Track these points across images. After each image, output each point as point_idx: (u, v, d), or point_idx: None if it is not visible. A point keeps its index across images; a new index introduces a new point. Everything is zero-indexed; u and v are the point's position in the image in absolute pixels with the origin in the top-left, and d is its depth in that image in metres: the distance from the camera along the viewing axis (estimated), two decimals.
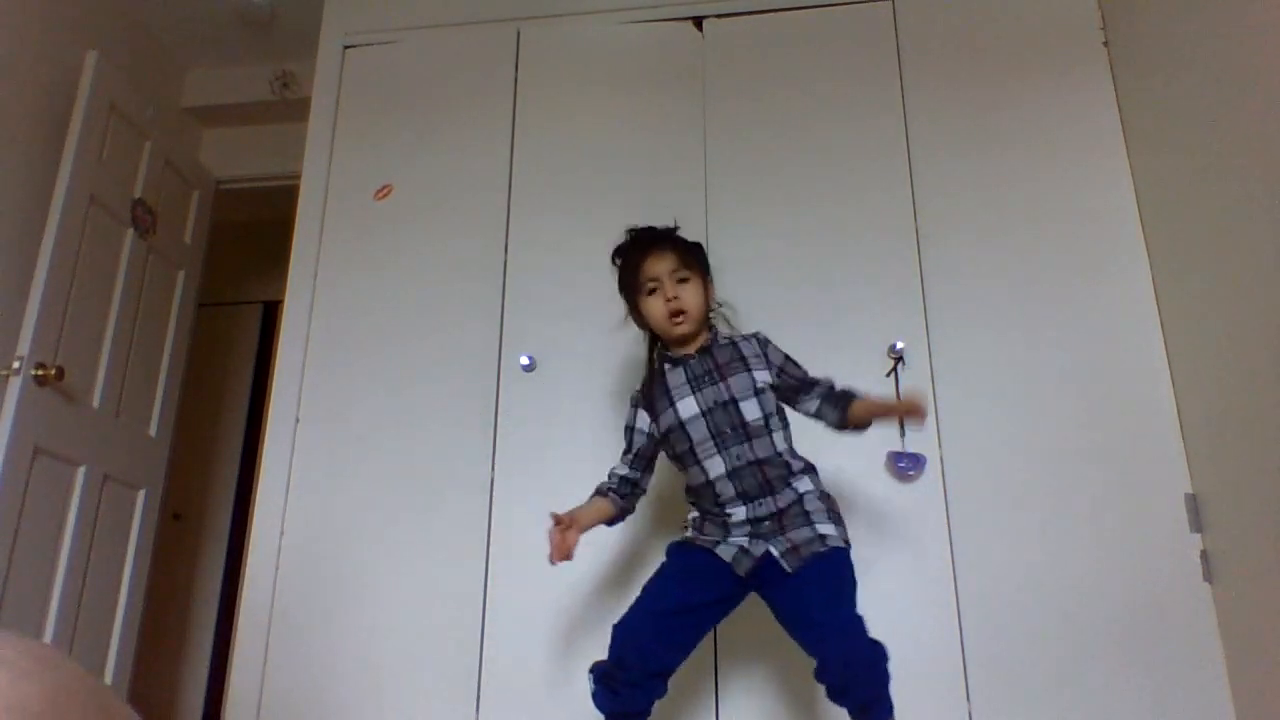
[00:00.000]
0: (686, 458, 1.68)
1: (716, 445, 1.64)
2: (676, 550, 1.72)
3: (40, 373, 2.34)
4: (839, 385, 1.74)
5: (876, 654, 1.48)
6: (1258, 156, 1.79)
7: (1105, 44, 2.40)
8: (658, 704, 1.65)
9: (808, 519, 1.61)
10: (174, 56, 3.37)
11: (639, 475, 1.75)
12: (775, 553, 1.58)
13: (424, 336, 2.42)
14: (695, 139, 2.48)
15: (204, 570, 4.04)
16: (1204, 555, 1.99)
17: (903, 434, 2.14)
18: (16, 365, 2.31)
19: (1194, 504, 2.03)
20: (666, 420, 1.69)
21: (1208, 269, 1.99)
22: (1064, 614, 2.00)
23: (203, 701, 3.82)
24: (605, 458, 2.21)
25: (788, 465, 1.65)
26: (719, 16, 2.60)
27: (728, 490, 1.63)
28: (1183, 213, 2.09)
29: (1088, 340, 2.18)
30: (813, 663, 1.50)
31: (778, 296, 2.31)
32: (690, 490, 1.73)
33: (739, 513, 1.63)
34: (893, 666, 1.48)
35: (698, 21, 2.60)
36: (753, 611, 2.08)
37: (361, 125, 2.67)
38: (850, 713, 1.49)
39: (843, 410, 1.70)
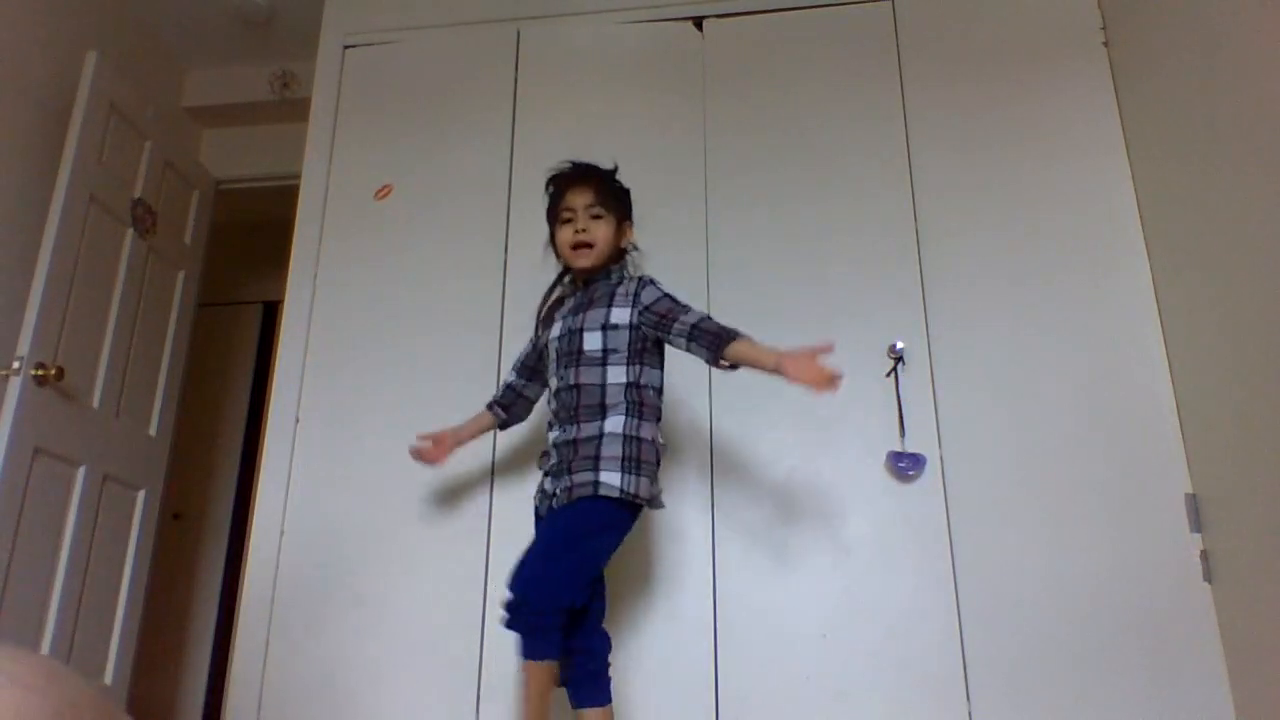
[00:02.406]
0: (542, 372, 1.90)
1: (556, 366, 1.79)
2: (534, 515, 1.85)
3: (40, 373, 2.34)
4: (711, 324, 1.66)
5: (539, 589, 1.58)
6: (1258, 156, 1.79)
7: (1105, 44, 2.41)
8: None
9: (595, 463, 1.65)
10: (174, 56, 3.37)
11: (522, 382, 1.97)
12: (557, 490, 1.70)
13: (424, 336, 2.42)
14: (695, 139, 2.48)
15: (204, 570, 4.04)
16: (1204, 555, 1.99)
17: (902, 434, 2.14)
18: (16, 365, 2.31)
19: (1194, 504, 2.03)
20: (542, 339, 1.88)
21: (1208, 269, 1.99)
22: (1064, 614, 2.00)
23: (203, 701, 3.82)
24: None
25: (604, 401, 1.70)
26: (719, 16, 2.60)
27: (552, 407, 1.79)
28: (1183, 213, 2.09)
29: (1088, 340, 2.18)
30: None
31: (777, 296, 2.31)
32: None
33: (552, 435, 1.77)
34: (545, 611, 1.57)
35: (698, 21, 2.61)
36: (754, 611, 2.09)
37: (361, 125, 2.67)
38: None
39: (713, 349, 1.64)
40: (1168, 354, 2.14)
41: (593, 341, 1.73)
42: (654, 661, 2.06)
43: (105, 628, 2.62)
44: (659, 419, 1.78)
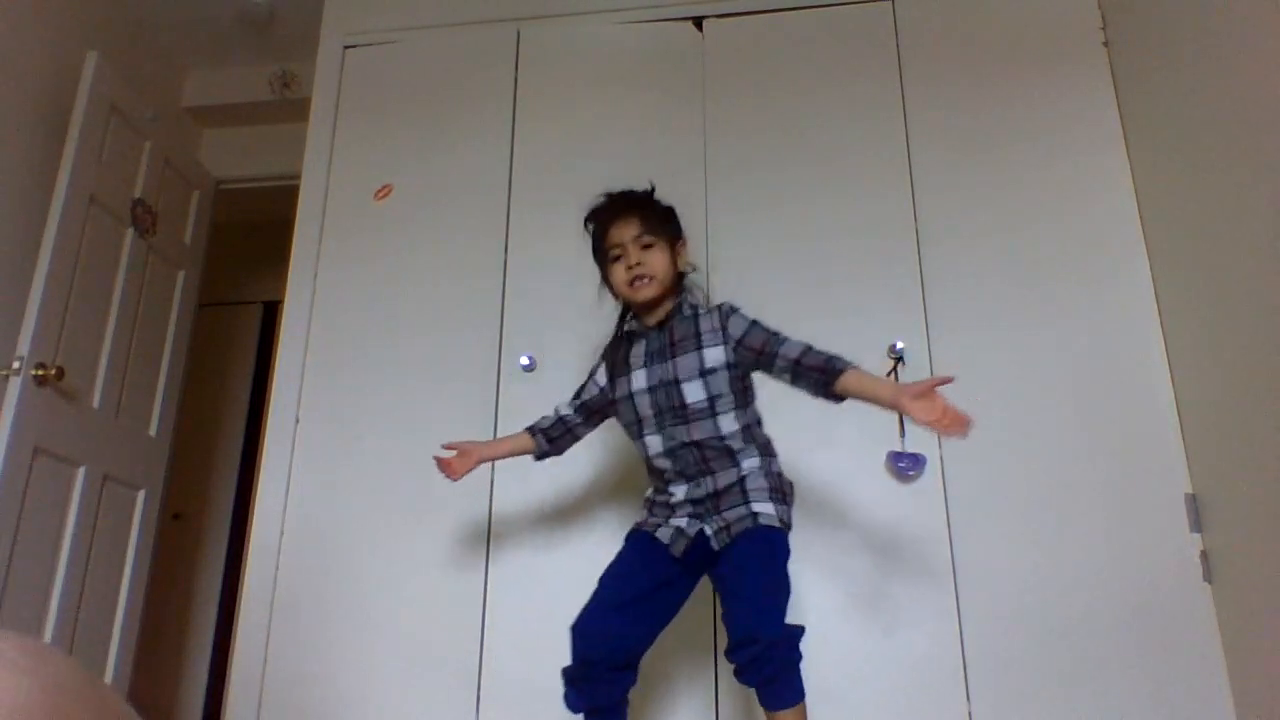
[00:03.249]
0: (631, 430, 1.71)
1: (656, 423, 1.65)
2: (627, 539, 1.73)
3: (40, 373, 2.34)
4: (816, 358, 1.61)
5: (779, 635, 1.47)
6: (1257, 156, 1.79)
7: (1105, 44, 2.40)
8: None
9: (745, 497, 1.59)
10: (174, 56, 3.37)
11: (578, 421, 1.80)
12: (708, 531, 1.59)
13: (424, 336, 2.42)
14: (695, 139, 2.48)
15: (204, 570, 4.04)
16: (1204, 555, 1.99)
17: (902, 434, 2.14)
18: (16, 365, 2.30)
19: (1194, 504, 2.03)
20: (620, 389, 1.71)
21: (1208, 269, 1.99)
22: (1064, 614, 2.00)
23: (203, 701, 3.82)
24: (606, 457, 2.22)
25: (729, 448, 1.61)
26: (719, 16, 2.60)
27: (666, 468, 1.65)
28: (1183, 213, 2.09)
29: (1088, 340, 2.18)
30: None
31: (778, 296, 2.31)
32: (645, 465, 1.74)
33: (679, 492, 1.64)
34: (805, 648, 1.50)
35: (698, 21, 2.61)
36: None
37: (361, 125, 2.67)
38: (757, 693, 1.49)
39: (822, 385, 1.60)
40: (1168, 354, 2.14)
41: (695, 393, 1.61)
42: (653, 662, 2.05)
43: (105, 628, 2.62)
44: (775, 452, 1.70)
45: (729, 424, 1.62)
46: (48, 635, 2.38)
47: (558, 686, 2.03)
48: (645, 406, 1.66)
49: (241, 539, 3.70)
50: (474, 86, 2.66)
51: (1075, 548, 2.03)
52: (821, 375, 1.59)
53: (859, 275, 2.30)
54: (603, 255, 1.73)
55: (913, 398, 1.47)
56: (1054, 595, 2.01)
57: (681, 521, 1.62)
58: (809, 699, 1.99)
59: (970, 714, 1.96)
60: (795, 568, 2.09)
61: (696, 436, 1.61)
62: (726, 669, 2.04)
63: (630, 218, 1.69)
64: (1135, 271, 2.21)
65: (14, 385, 2.29)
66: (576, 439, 1.83)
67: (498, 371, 2.35)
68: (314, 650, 2.20)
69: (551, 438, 1.81)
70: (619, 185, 2.51)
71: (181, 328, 3.09)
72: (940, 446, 2.14)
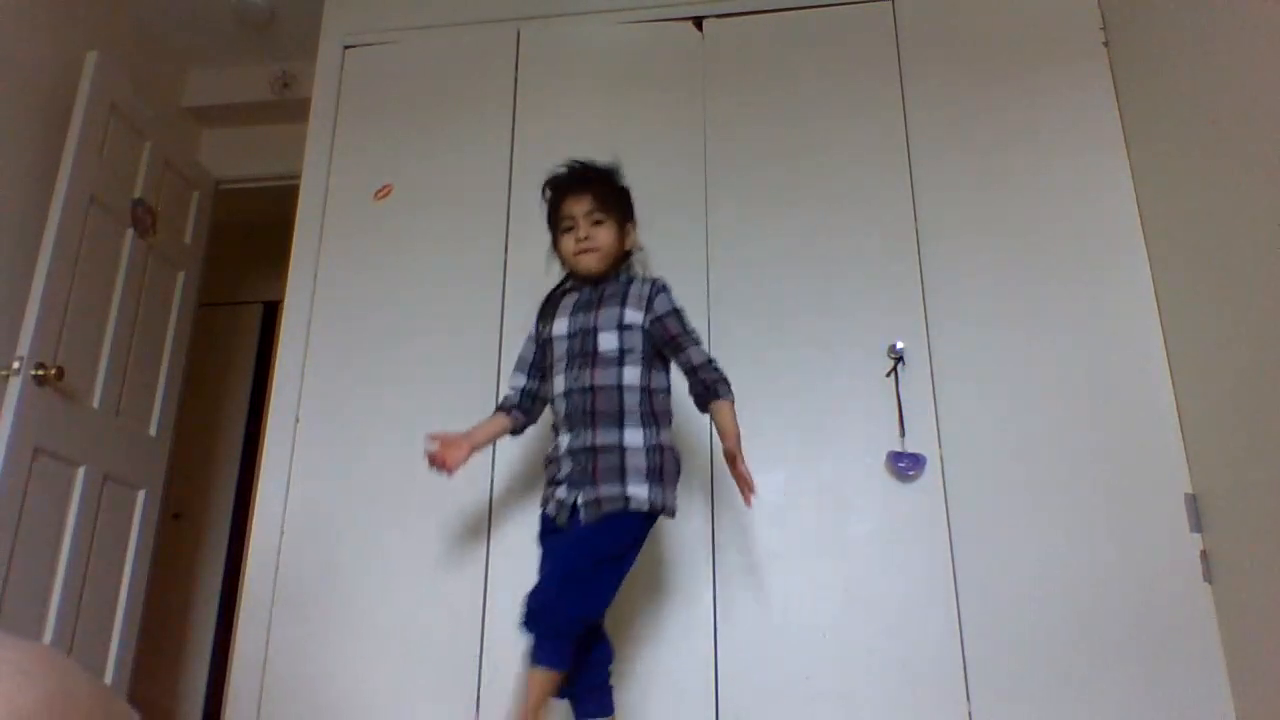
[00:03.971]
0: (547, 371, 1.80)
1: (566, 365, 1.74)
2: (540, 521, 1.79)
3: (40, 373, 2.34)
4: (704, 368, 1.72)
5: (562, 602, 1.57)
6: (1258, 156, 1.79)
7: (1105, 44, 2.41)
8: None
9: (622, 476, 1.62)
10: (174, 56, 3.37)
11: (537, 384, 1.86)
12: (579, 503, 1.64)
13: (424, 336, 2.42)
14: (695, 139, 2.48)
15: (204, 570, 4.04)
16: (1204, 555, 1.99)
17: (902, 434, 2.14)
18: (16, 365, 2.31)
19: (1194, 504, 2.03)
20: (543, 333, 1.82)
21: (1208, 269, 1.99)
22: (1064, 614, 2.00)
23: (203, 701, 3.82)
24: None
25: (622, 400, 1.66)
26: (719, 16, 2.60)
27: (560, 410, 1.72)
28: (1183, 212, 2.09)
29: (1088, 340, 2.18)
30: None
31: (778, 296, 2.31)
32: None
33: (563, 442, 1.71)
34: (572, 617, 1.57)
35: (698, 21, 2.61)
36: (754, 611, 2.09)
37: (361, 125, 2.67)
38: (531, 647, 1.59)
39: (700, 400, 1.74)
40: (1168, 354, 2.14)
41: (608, 341, 1.70)
42: (653, 662, 2.06)
43: (105, 628, 2.62)
44: (670, 422, 1.76)
45: (632, 376, 1.69)
46: (48, 635, 2.38)
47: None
48: (561, 349, 1.76)
49: (241, 539, 3.70)
50: (474, 86, 2.66)
51: (1075, 547, 2.03)
52: (704, 392, 1.72)
53: (859, 275, 2.30)
54: (555, 223, 1.84)
55: (731, 466, 1.67)
56: (1054, 595, 2.01)
57: (561, 492, 1.69)
58: (810, 699, 2.00)
59: (970, 714, 1.96)
60: (796, 567, 2.10)
61: (598, 381, 1.68)
62: (727, 664, 2.04)
63: (585, 193, 1.80)
64: (1135, 271, 2.21)
65: (14, 385, 2.29)
66: (544, 401, 1.88)
67: (498, 371, 2.35)
68: (314, 650, 2.20)
69: (525, 409, 1.87)
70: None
71: (181, 328, 3.09)
72: (940, 446, 2.14)
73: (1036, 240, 2.27)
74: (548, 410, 1.86)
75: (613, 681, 1.73)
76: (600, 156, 1.95)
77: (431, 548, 2.24)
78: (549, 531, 1.74)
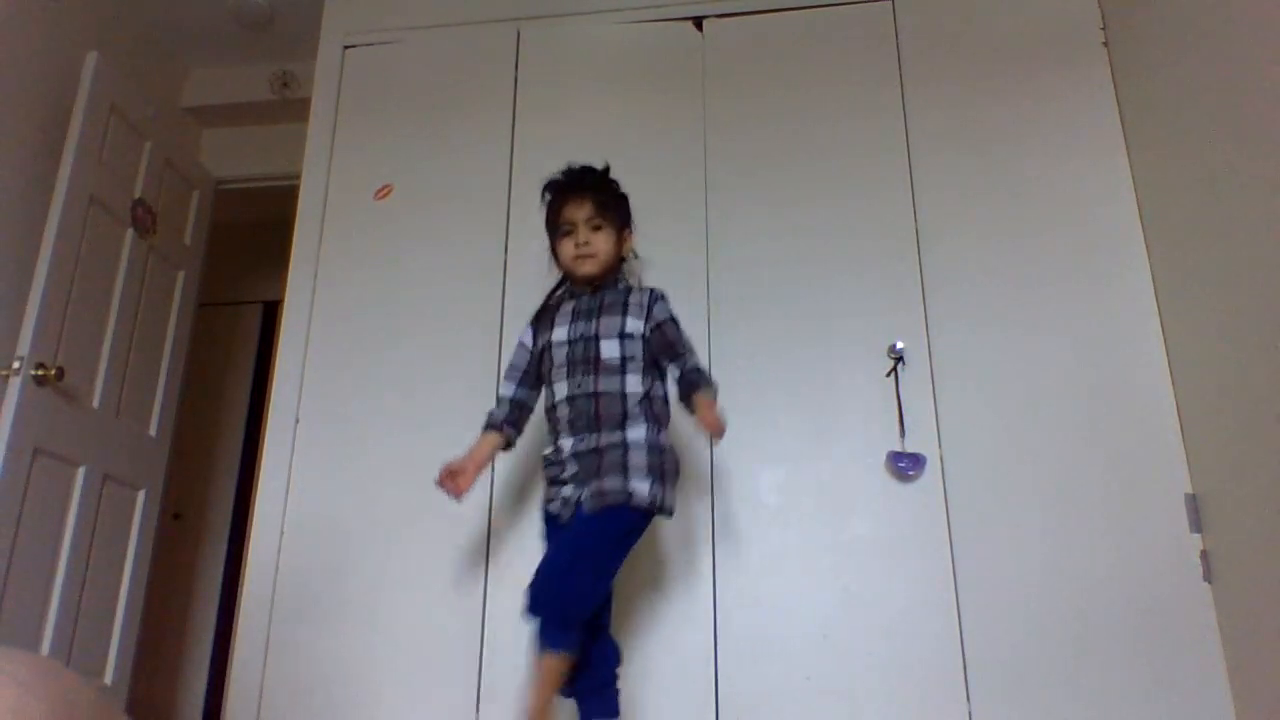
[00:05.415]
0: (546, 378, 1.82)
1: (568, 372, 1.75)
2: (543, 519, 1.83)
3: (40, 373, 2.34)
4: (695, 369, 1.75)
5: (570, 589, 1.60)
6: (1258, 156, 1.79)
7: (1105, 44, 2.40)
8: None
9: (625, 471, 1.65)
10: (174, 56, 3.36)
11: (526, 394, 1.88)
12: (582, 496, 1.67)
13: (424, 336, 2.42)
14: (695, 139, 2.48)
15: (204, 570, 4.04)
16: (1204, 555, 1.99)
17: (902, 434, 2.14)
18: (16, 365, 2.31)
19: (1194, 504, 2.03)
20: (542, 340, 1.84)
21: (1208, 269, 1.99)
22: (1064, 614, 2.00)
23: (203, 701, 3.82)
24: None
25: (625, 409, 1.69)
26: (719, 16, 2.60)
27: (563, 417, 1.74)
28: (1183, 212, 2.09)
29: (1088, 340, 2.17)
30: None
31: (778, 296, 2.31)
32: (546, 415, 1.83)
33: (566, 445, 1.72)
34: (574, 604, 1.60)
35: (698, 21, 2.60)
36: (754, 611, 2.09)
37: (361, 125, 2.67)
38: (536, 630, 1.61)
39: (683, 395, 1.75)
40: (1168, 354, 2.14)
41: (610, 349, 1.73)
42: (654, 662, 2.06)
43: (105, 628, 2.62)
44: (668, 425, 1.80)
45: (634, 384, 1.72)
46: (47, 635, 2.38)
47: None
48: (561, 356, 1.78)
49: (241, 539, 3.70)
50: (474, 86, 2.66)
51: (1075, 547, 2.03)
52: (689, 387, 1.72)
53: (859, 275, 2.30)
54: (553, 228, 1.86)
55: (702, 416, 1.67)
56: (1054, 595, 2.01)
57: (567, 490, 1.71)
58: (810, 698, 2.00)
59: (970, 714, 1.96)
60: (796, 567, 2.10)
61: (601, 388, 1.71)
62: (727, 664, 2.04)
63: (585, 198, 1.82)
64: (1135, 271, 2.21)
65: (14, 385, 2.29)
66: (531, 410, 1.90)
67: (498, 371, 2.35)
68: (314, 650, 2.20)
69: (513, 421, 1.87)
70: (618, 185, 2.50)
71: (181, 328, 3.09)
72: (940, 446, 2.14)
73: (1036, 240, 2.27)
74: (537, 412, 1.89)
75: (619, 685, 1.73)
76: (600, 157, 1.95)
77: (432, 547, 2.24)
78: (553, 529, 1.76)
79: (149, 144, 2.91)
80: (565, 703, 1.72)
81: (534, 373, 1.87)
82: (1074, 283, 2.22)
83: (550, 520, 1.78)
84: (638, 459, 1.66)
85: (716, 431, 1.65)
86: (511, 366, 1.90)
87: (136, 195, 2.84)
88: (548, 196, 1.88)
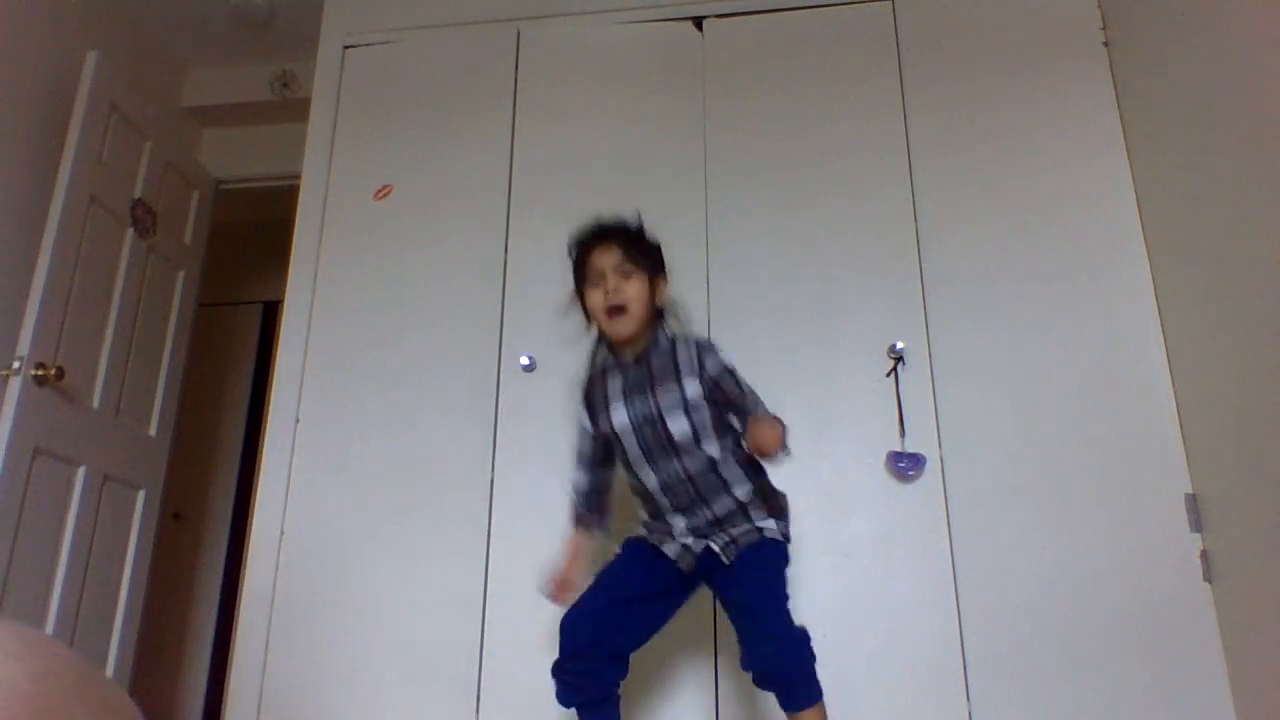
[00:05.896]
0: (625, 466, 1.72)
1: (647, 459, 1.66)
2: (631, 543, 1.76)
3: (40, 373, 2.34)
4: (757, 408, 1.66)
5: (794, 640, 1.54)
6: (1258, 156, 1.79)
7: (1105, 44, 2.40)
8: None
9: (748, 517, 1.66)
10: (174, 56, 3.37)
11: (600, 478, 1.80)
12: (715, 547, 1.63)
13: (424, 336, 2.42)
14: (695, 139, 2.48)
15: (204, 570, 4.04)
16: (1204, 555, 1.99)
17: (902, 434, 2.14)
18: (16, 365, 2.31)
19: (1194, 504, 2.03)
20: (603, 426, 1.72)
21: (1208, 269, 1.99)
22: (1064, 614, 2.00)
23: (203, 701, 3.82)
24: None
25: (721, 476, 1.65)
26: (719, 16, 2.60)
27: (665, 502, 1.67)
28: (1183, 212, 2.09)
29: (1088, 340, 2.17)
30: None
31: (778, 296, 2.31)
32: (634, 492, 1.75)
33: (679, 523, 1.67)
34: (818, 649, 1.56)
35: (698, 21, 2.61)
36: None
37: (361, 125, 2.67)
38: (777, 696, 1.55)
39: (742, 421, 1.68)
40: (1168, 354, 2.14)
41: (679, 427, 1.63)
42: (653, 662, 2.05)
43: (105, 628, 2.62)
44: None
45: (715, 449, 1.65)
46: (48, 634, 2.37)
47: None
48: (634, 446, 1.67)
49: (241, 539, 3.70)
50: (474, 86, 2.66)
51: (1075, 548, 2.03)
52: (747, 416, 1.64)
53: (859, 275, 2.30)
54: (582, 280, 1.73)
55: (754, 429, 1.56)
56: (1054, 595, 2.01)
57: (688, 540, 1.67)
58: None
59: (970, 714, 1.96)
60: (796, 567, 2.10)
61: (691, 469, 1.64)
62: (727, 669, 2.04)
63: (613, 245, 1.70)
64: (1135, 271, 2.21)
65: (14, 385, 2.29)
66: (610, 487, 1.82)
67: (498, 371, 2.35)
68: (314, 650, 2.20)
69: (596, 510, 1.80)
70: (619, 185, 2.52)
71: (181, 328, 3.09)
72: (940, 446, 2.14)
73: (1037, 240, 2.27)
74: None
75: (620, 691, 1.72)
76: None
77: (431, 547, 2.24)
78: (646, 562, 1.70)
79: (149, 144, 2.91)
80: (566, 712, 1.72)
81: (601, 454, 1.78)
82: (1074, 283, 2.22)
83: (641, 548, 1.72)
84: (755, 507, 1.66)
85: (769, 447, 1.52)
86: (578, 453, 1.81)
87: (136, 195, 2.84)
88: (575, 252, 1.75)
